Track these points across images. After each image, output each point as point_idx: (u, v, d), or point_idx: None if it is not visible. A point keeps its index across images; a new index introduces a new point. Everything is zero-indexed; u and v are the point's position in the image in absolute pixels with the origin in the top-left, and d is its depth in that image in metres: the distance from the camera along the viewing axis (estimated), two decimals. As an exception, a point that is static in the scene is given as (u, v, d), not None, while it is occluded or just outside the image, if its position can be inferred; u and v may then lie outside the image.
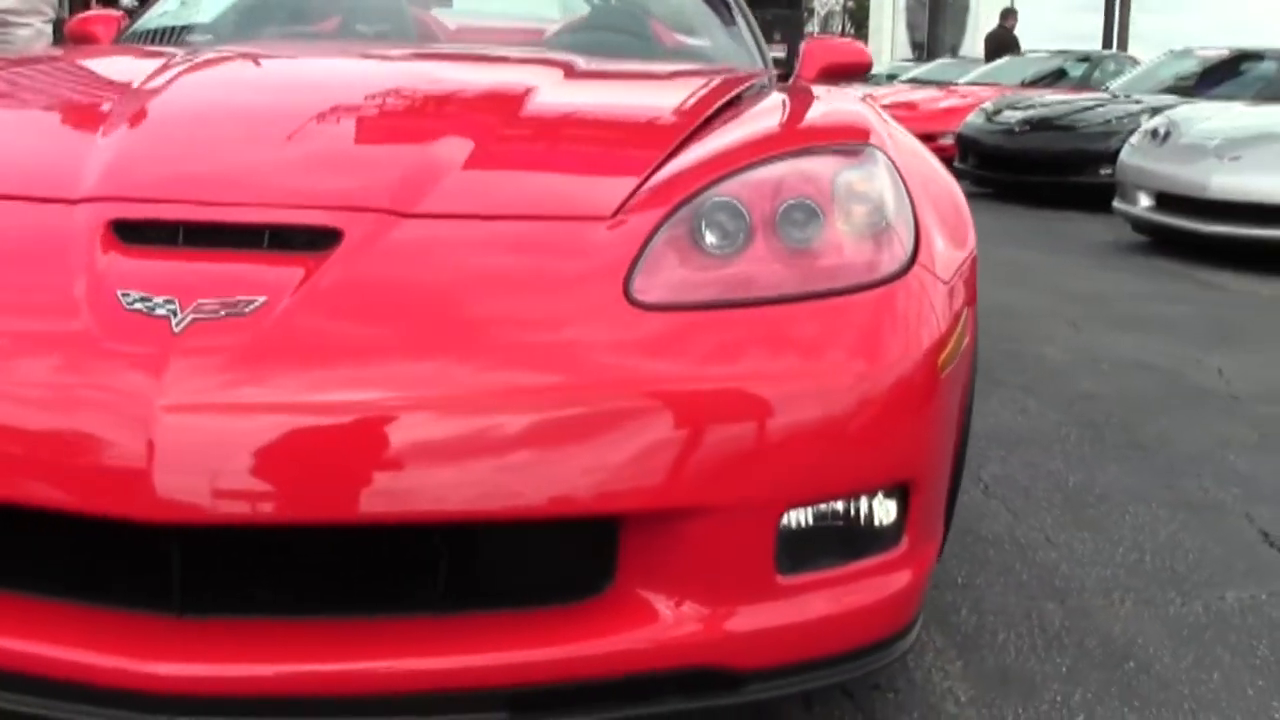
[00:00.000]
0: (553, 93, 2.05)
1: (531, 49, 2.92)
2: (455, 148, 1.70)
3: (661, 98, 2.26)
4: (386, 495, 1.32)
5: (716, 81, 2.26)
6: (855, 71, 3.12)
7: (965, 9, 27.14)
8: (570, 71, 2.26)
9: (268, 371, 1.32)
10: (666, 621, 1.44)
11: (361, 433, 1.31)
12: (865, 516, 1.55)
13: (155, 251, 1.46)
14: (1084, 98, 10.37)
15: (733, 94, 2.09)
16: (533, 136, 1.86)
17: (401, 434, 1.32)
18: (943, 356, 1.59)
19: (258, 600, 1.40)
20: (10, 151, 1.74)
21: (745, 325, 1.48)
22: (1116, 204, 7.29)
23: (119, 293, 1.38)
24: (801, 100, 2.13)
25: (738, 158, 1.70)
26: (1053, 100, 10.40)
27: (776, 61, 3.11)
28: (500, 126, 1.83)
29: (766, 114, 2.03)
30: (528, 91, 2.00)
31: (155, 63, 2.15)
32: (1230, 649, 2.04)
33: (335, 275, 1.42)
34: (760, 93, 2.18)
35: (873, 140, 1.80)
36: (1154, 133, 7.31)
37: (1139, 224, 7.16)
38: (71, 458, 1.30)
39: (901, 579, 1.58)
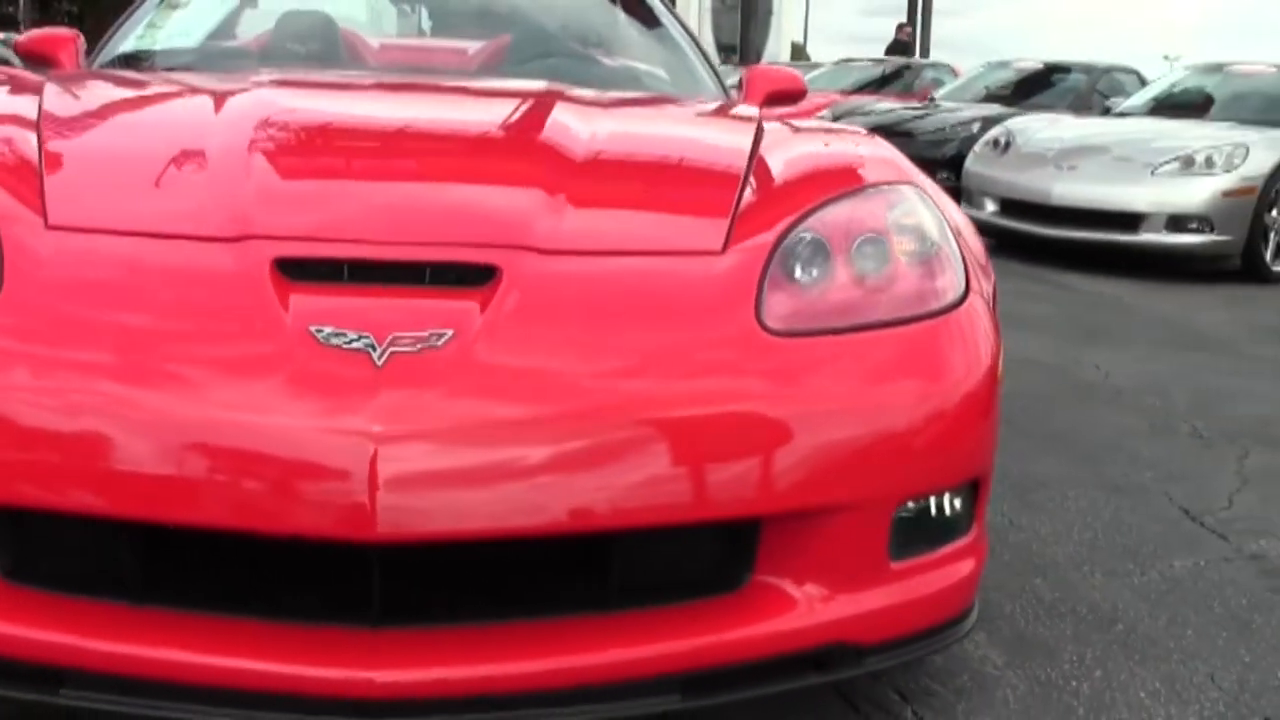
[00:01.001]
0: (597, 126, 2.22)
1: (507, 78, 3.06)
2: (554, 185, 1.87)
3: (690, 128, 2.49)
4: (577, 509, 1.50)
5: (715, 109, 2.50)
6: (795, 97, 3.40)
7: (770, 12, 27.73)
8: (585, 102, 2.44)
9: (469, 399, 1.49)
10: (802, 607, 1.66)
11: (558, 453, 1.49)
12: (949, 509, 1.80)
13: (330, 289, 1.59)
14: (914, 106, 10.98)
15: (750, 125, 2.33)
16: (614, 174, 2.02)
17: (590, 453, 1.50)
18: (1000, 370, 1.86)
19: (441, 610, 1.55)
20: (131, 188, 1.83)
21: (854, 349, 1.71)
22: (963, 209, 7.81)
23: (311, 328, 1.51)
24: (828, 138, 2.38)
25: (808, 197, 1.92)
26: (886, 109, 10.98)
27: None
28: (576, 163, 1.99)
29: (808, 151, 2.26)
30: (573, 127, 2.18)
31: (202, 96, 2.26)
32: (1193, 609, 2.38)
33: (507, 309, 1.59)
34: (786, 130, 2.40)
35: (914, 179, 2.07)
36: (995, 142, 7.89)
37: (985, 228, 7.70)
38: (291, 486, 1.44)
39: (970, 563, 1.85)
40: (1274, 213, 6.99)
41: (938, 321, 1.80)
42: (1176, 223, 6.83)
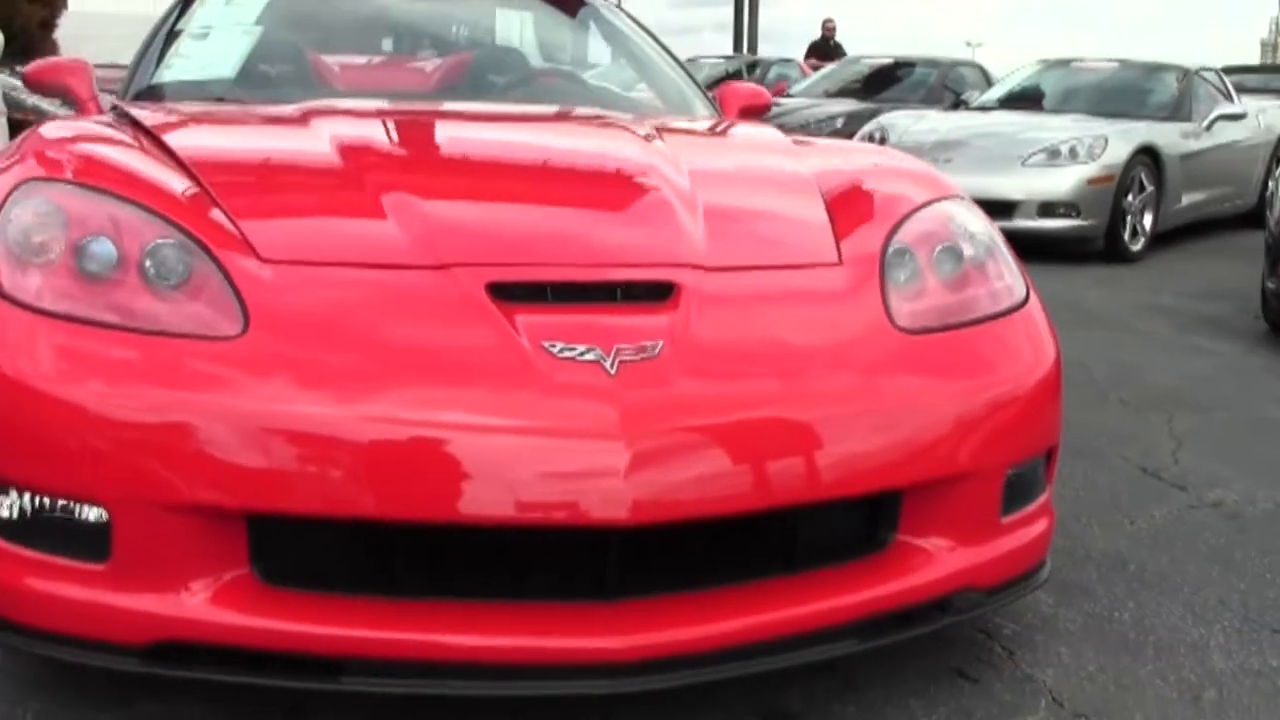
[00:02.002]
0: (672, 147, 2.54)
1: (506, 102, 3.32)
2: (684, 206, 2.17)
3: (742, 146, 2.83)
4: (784, 487, 1.81)
5: (746, 128, 2.85)
6: (763, 111, 3.77)
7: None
8: (642, 125, 2.76)
9: (691, 397, 1.78)
10: (937, 560, 2.00)
11: (769, 441, 1.80)
12: (1035, 473, 2.17)
13: (545, 309, 1.86)
14: (775, 103, 11.47)
15: (788, 143, 2.69)
16: (718, 194, 2.32)
17: (792, 439, 1.81)
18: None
19: (664, 580, 1.83)
20: (315, 222, 2.06)
21: (966, 342, 2.07)
22: (844, 203, 8.31)
23: (545, 344, 1.78)
24: (868, 156, 2.73)
25: (888, 212, 2.28)
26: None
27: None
28: (684, 184, 2.29)
29: (860, 167, 2.60)
30: (660, 150, 2.50)
31: (310, 128, 2.49)
32: (1183, 549, 2.82)
33: (695, 319, 1.89)
34: (823, 147, 2.75)
35: (957, 191, 2.43)
36: (870, 138, 8.40)
37: (866, 220, 8.22)
38: (554, 482, 1.70)
39: (1046, 518, 2.22)
40: (1130, 198, 7.68)
41: (1017, 315, 2.18)
42: (1047, 209, 7.45)
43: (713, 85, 12.98)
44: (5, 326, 1.80)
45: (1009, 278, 2.26)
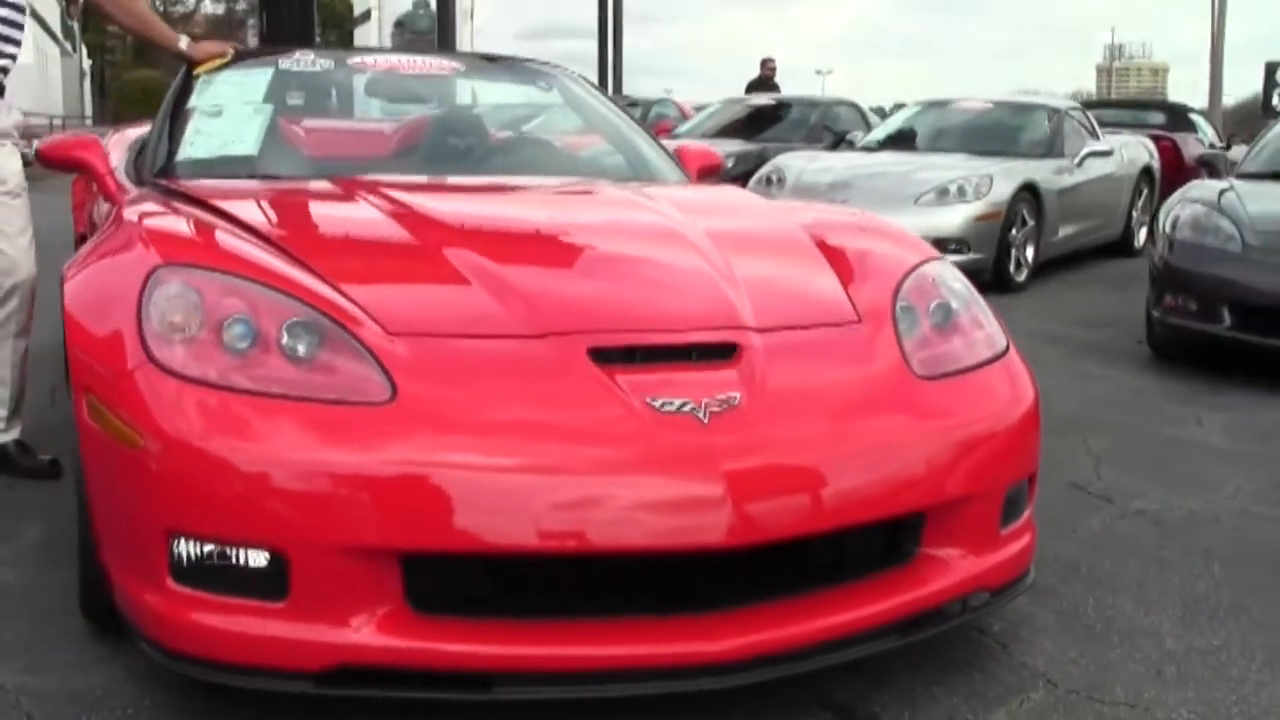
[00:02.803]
0: (688, 216, 2.99)
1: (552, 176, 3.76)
2: (722, 273, 2.60)
3: (737, 211, 3.30)
4: (845, 510, 2.23)
5: (729, 193, 3.33)
6: (717, 170, 4.25)
7: (456, 44, 28.21)
8: (646, 194, 3.21)
9: (768, 439, 2.20)
10: (955, 567, 2.45)
11: (829, 470, 2.22)
12: (1023, 493, 2.63)
13: (639, 369, 2.26)
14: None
15: (777, 208, 3.16)
16: (739, 259, 2.74)
17: (843, 471, 2.25)
18: (1036, 391, 2.72)
19: (745, 594, 2.23)
20: (422, 297, 2.43)
21: (969, 385, 2.54)
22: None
23: (648, 399, 2.18)
24: (853, 220, 3.19)
25: (888, 273, 2.73)
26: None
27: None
28: (711, 249, 2.74)
29: (852, 230, 3.06)
30: (679, 218, 2.96)
31: (378, 201, 2.90)
32: (1122, 552, 3.33)
33: (759, 374, 2.31)
34: (813, 210, 3.24)
35: (936, 253, 2.91)
36: (767, 180, 8.96)
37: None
38: (670, 516, 2.10)
39: (1030, 532, 2.69)
40: (1014, 232, 8.36)
41: (1005, 360, 2.66)
42: (939, 245, 7.99)
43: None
44: (180, 401, 2.13)
45: (989, 327, 2.75)
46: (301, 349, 2.22)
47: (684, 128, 12.85)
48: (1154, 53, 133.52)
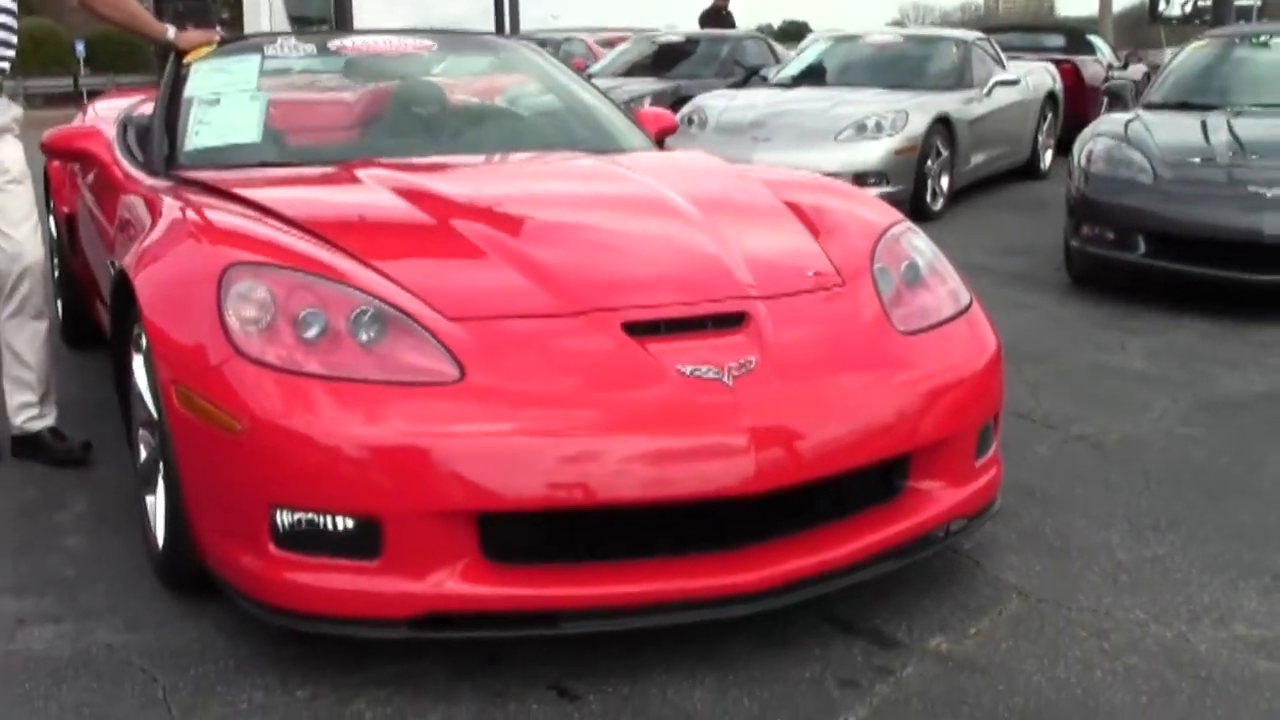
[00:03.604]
0: (669, 185, 3.34)
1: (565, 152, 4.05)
2: (718, 244, 2.95)
3: (713, 178, 3.66)
4: (850, 454, 2.61)
5: (701, 160, 3.69)
6: (671, 131, 4.58)
7: None
8: (632, 166, 3.54)
9: (783, 397, 2.56)
10: (938, 498, 2.84)
11: (836, 420, 2.60)
12: (989, 430, 3.04)
13: (667, 339, 2.60)
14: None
15: (745, 174, 3.52)
16: (727, 227, 3.09)
17: (847, 420, 2.62)
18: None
19: (766, 529, 2.60)
20: (467, 280, 2.74)
21: (943, 338, 2.92)
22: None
23: (677, 367, 2.53)
24: (820, 188, 3.55)
25: (862, 237, 3.10)
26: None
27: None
28: (702, 220, 3.08)
29: (822, 200, 3.41)
30: (666, 190, 3.30)
31: (398, 193, 3.20)
32: (1069, 475, 3.77)
33: (768, 338, 2.66)
34: (781, 180, 3.59)
35: (901, 216, 3.29)
36: (689, 120, 9.26)
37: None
38: (704, 467, 2.45)
39: (996, 465, 3.09)
40: (930, 163, 8.80)
41: (970, 312, 3.04)
42: (860, 179, 8.43)
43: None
44: (271, 389, 2.43)
45: (952, 282, 3.13)
46: (370, 336, 2.52)
47: (597, 66, 13.07)
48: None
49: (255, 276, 2.60)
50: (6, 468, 3.88)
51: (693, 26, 14.91)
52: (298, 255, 2.73)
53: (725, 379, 2.53)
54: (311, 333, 2.52)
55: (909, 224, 3.29)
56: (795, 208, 3.30)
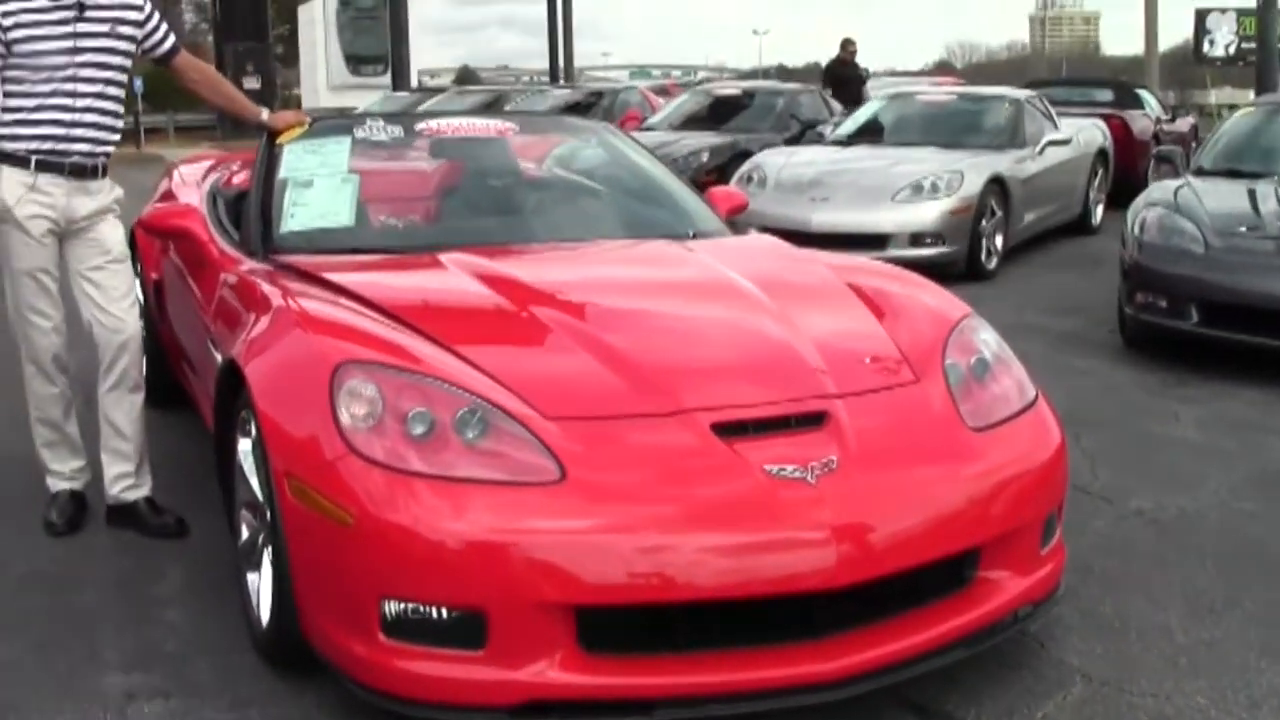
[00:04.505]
0: (749, 274, 3.50)
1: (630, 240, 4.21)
2: (796, 340, 3.08)
3: (785, 266, 3.79)
4: (921, 548, 2.73)
5: (773, 246, 3.83)
6: (742, 211, 4.71)
7: (407, 26, 27.64)
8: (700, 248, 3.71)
9: (862, 492, 2.69)
10: (1006, 587, 2.95)
11: (914, 515, 2.72)
12: (1054, 519, 3.14)
13: (755, 439, 2.74)
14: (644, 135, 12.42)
15: (818, 264, 3.65)
16: (802, 318, 3.25)
17: (924, 516, 2.74)
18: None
19: (844, 620, 2.72)
20: (561, 380, 2.88)
21: (1013, 433, 3.03)
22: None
23: (763, 466, 2.66)
24: (890, 278, 3.68)
25: (934, 332, 3.23)
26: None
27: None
28: (777, 310, 3.22)
29: (895, 291, 3.55)
30: (740, 283, 3.43)
31: (486, 284, 3.37)
32: (1127, 552, 3.86)
33: (849, 437, 2.80)
34: (855, 269, 3.72)
35: (969, 310, 3.41)
36: (748, 178, 9.43)
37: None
38: (783, 558, 2.58)
39: (1061, 551, 3.20)
40: (984, 223, 8.90)
41: (1037, 405, 3.16)
42: (916, 239, 8.60)
43: (563, 113, 13.70)
44: (382, 486, 2.58)
45: (1018, 374, 3.25)
46: (474, 435, 2.67)
47: (654, 119, 13.21)
48: (1085, 0, 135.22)
49: (365, 374, 2.76)
50: (102, 536, 4.01)
51: (738, 63, 15.22)
52: (401, 351, 2.90)
53: (809, 478, 2.66)
54: (418, 431, 2.67)
55: (976, 316, 3.41)
56: (861, 293, 3.44)
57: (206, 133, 30.07)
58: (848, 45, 14.84)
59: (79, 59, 3.78)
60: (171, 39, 4.03)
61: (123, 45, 3.89)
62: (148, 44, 3.97)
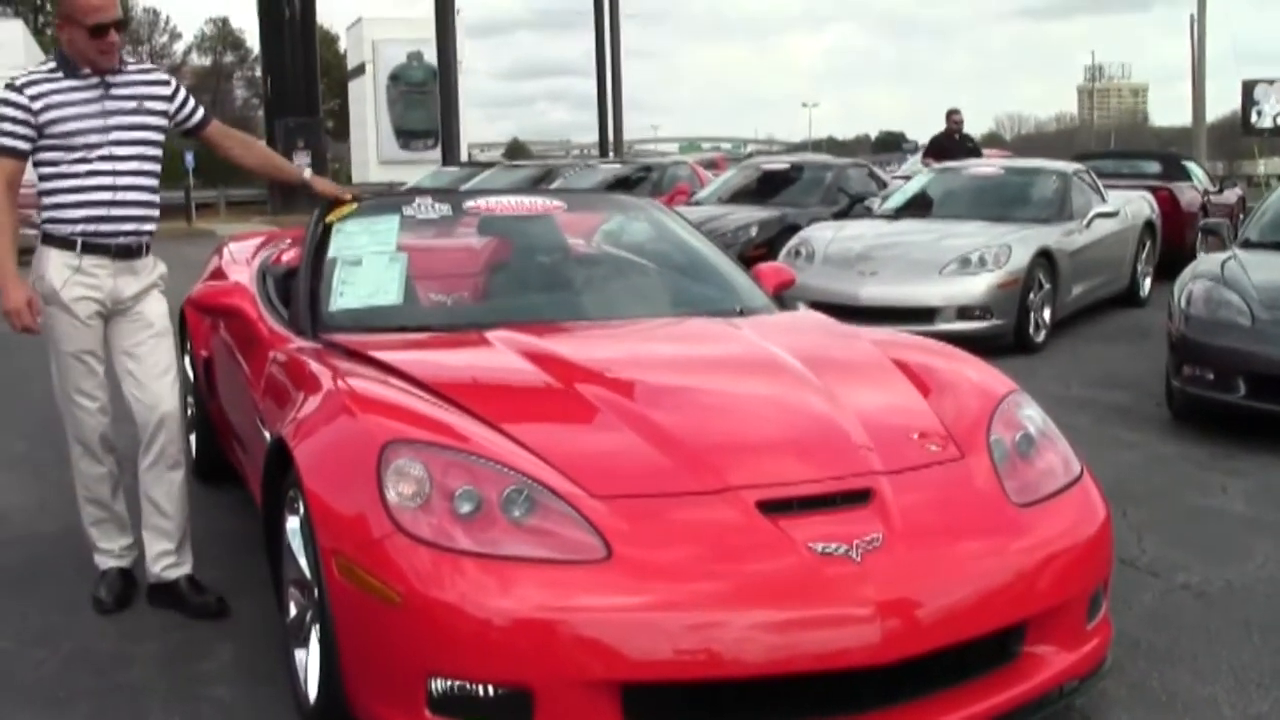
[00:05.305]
0: (794, 351, 3.57)
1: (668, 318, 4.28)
2: (844, 418, 3.15)
3: (831, 343, 3.86)
4: (967, 625, 2.77)
5: (817, 322, 3.90)
6: (789, 285, 4.77)
7: (457, 101, 27.90)
8: (748, 326, 3.81)
9: (908, 569, 2.74)
10: (1052, 662, 2.98)
11: (959, 592, 2.77)
12: (1100, 594, 3.17)
13: (798, 517, 2.80)
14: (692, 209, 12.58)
15: (861, 339, 3.72)
16: (847, 393, 3.32)
17: (970, 593, 2.79)
18: (1101, 503, 3.27)
19: (891, 694, 2.76)
20: (609, 458, 2.96)
21: (1058, 508, 3.08)
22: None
23: (808, 544, 2.72)
24: (940, 355, 3.74)
25: (979, 408, 3.29)
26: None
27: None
28: (823, 387, 3.29)
29: (939, 366, 3.61)
30: (786, 360, 3.50)
31: (518, 347, 3.49)
32: (1175, 626, 3.87)
33: (894, 514, 2.85)
34: (902, 345, 3.80)
35: (1014, 385, 3.47)
36: (796, 252, 9.52)
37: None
38: (841, 639, 2.63)
39: (1107, 625, 3.23)
40: (1032, 296, 8.93)
41: (1083, 480, 3.20)
42: (964, 313, 8.64)
43: (612, 187, 13.90)
44: (429, 565, 2.64)
45: (1064, 449, 3.30)
46: (520, 514, 2.74)
47: (703, 193, 13.37)
48: (1133, 73, 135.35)
49: (413, 454, 2.83)
50: (150, 613, 4.01)
51: (788, 136, 15.41)
52: (448, 430, 2.97)
53: (854, 555, 2.72)
54: (465, 509, 2.73)
55: (1021, 392, 3.46)
56: (906, 368, 3.51)
57: (257, 208, 30.59)
58: (953, 115, 14.29)
59: (111, 136, 3.81)
60: (201, 110, 4.10)
61: (154, 120, 3.94)
62: (179, 117, 4.04)
